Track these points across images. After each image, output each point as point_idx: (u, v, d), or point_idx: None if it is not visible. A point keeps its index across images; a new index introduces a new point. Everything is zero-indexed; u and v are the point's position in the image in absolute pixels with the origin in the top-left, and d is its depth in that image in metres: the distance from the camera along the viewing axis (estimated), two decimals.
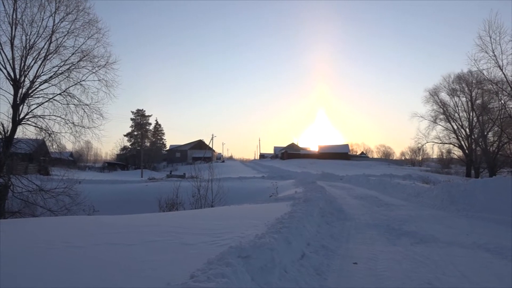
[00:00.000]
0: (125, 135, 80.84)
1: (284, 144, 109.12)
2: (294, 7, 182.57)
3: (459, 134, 50.09)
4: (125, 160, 77.56)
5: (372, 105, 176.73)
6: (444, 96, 51.07)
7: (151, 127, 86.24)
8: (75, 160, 64.40)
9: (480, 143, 44.89)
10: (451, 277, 5.13)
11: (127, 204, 21.53)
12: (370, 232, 8.70)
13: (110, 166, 73.47)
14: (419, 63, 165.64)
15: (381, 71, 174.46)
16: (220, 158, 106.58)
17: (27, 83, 20.12)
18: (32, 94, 20.24)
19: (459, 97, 49.48)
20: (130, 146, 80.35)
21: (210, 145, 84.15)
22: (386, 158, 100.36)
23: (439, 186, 15.42)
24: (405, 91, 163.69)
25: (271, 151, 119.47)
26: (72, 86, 21.29)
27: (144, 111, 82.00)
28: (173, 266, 4.20)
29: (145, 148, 75.56)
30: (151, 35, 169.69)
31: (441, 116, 51.11)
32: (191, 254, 4.76)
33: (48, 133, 20.48)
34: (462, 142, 49.89)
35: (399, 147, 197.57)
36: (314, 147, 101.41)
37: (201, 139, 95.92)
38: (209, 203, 18.47)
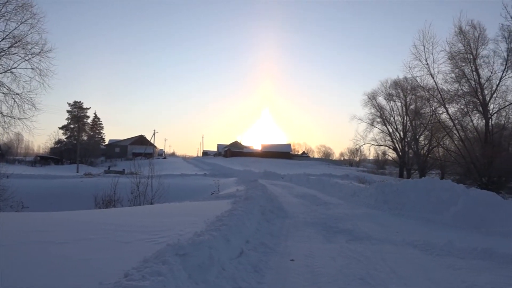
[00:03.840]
0: (60, 128, 75.97)
1: (227, 142, 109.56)
2: (239, 6, 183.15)
3: (394, 137, 52.99)
4: (60, 154, 73.41)
5: (315, 106, 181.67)
6: (381, 100, 53.71)
7: (89, 120, 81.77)
8: (3, 153, 60.02)
9: (412, 146, 47.71)
10: (381, 273, 5.40)
11: (60, 201, 20.43)
12: (308, 230, 8.93)
13: (42, 160, 69.38)
14: (360, 67, 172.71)
15: (324, 73, 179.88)
16: (161, 154, 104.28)
17: None
18: None
19: (395, 101, 52.26)
20: (65, 140, 75.86)
21: (152, 141, 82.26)
22: (326, 158, 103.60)
23: (374, 186, 16.01)
24: (346, 94, 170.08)
25: (215, 149, 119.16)
26: (1, 73, 19.91)
27: (82, 103, 77.26)
28: (107, 264, 4.05)
29: (82, 142, 71.98)
30: (91, 27, 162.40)
31: (378, 119, 53.68)
32: (127, 252, 4.61)
33: None
34: (396, 145, 52.81)
35: (339, 148, 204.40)
36: (257, 146, 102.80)
37: (143, 134, 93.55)
38: (149, 200, 17.98)
